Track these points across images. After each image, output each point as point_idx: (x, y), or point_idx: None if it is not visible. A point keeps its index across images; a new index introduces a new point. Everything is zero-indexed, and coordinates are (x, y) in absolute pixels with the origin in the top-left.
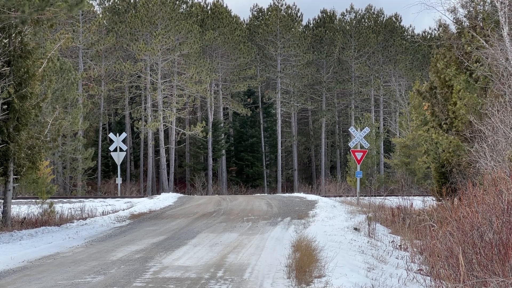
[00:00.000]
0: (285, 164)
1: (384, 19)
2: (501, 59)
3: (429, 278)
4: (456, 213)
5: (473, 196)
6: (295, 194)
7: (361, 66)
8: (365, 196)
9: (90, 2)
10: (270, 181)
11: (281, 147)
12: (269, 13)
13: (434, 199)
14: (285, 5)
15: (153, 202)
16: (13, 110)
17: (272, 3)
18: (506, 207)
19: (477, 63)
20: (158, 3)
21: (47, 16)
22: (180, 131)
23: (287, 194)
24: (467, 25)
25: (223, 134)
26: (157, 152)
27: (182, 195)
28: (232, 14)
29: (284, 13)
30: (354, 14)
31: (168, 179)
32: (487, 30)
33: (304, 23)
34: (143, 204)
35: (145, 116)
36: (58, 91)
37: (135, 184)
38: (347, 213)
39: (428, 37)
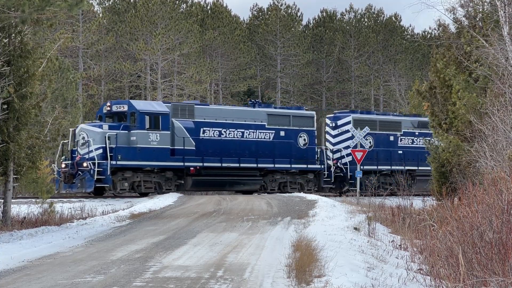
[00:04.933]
0: None
1: (384, 18)
2: (501, 59)
3: (429, 277)
4: (456, 213)
5: (473, 195)
6: (295, 194)
7: (361, 66)
8: (365, 195)
9: (90, 2)
10: None
11: None
12: (269, 12)
13: (434, 198)
14: (285, 4)
15: (153, 202)
16: (13, 110)
17: (272, 3)
18: (506, 207)
19: (477, 63)
20: (158, 2)
21: (47, 16)
22: None
23: (287, 194)
24: (466, 24)
25: None
26: None
27: (182, 194)
28: (232, 13)
29: (284, 13)
30: (354, 14)
31: None
32: (487, 30)
33: (304, 22)
34: (143, 204)
35: None
36: (58, 91)
37: None
38: (347, 213)
39: (428, 36)
